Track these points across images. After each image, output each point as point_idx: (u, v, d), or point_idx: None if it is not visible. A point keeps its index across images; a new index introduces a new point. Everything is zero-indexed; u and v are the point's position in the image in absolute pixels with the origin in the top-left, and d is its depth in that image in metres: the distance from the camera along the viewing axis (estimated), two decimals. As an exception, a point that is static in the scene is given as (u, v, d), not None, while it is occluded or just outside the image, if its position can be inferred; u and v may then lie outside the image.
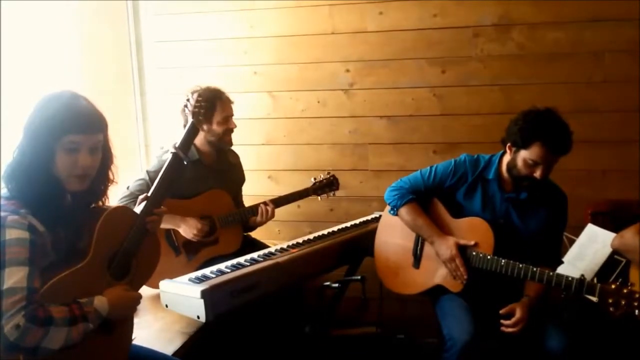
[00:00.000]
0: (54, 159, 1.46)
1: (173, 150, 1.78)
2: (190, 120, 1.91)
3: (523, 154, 2.11)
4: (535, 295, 2.16)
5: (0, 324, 1.29)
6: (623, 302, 1.89)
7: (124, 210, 1.66)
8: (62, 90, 1.53)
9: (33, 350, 1.33)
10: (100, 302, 1.47)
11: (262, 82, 3.22)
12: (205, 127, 2.50)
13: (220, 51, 3.24)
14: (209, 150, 2.60)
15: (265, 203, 2.62)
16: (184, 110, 2.43)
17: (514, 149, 2.16)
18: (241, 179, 2.81)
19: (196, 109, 1.94)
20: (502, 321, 2.12)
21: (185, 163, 1.80)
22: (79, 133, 1.47)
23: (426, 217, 2.31)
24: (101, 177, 1.59)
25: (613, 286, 1.92)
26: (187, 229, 2.41)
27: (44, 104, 1.48)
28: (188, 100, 1.98)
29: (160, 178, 1.74)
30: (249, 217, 2.62)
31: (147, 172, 2.47)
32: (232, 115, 2.59)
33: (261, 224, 2.65)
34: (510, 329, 2.10)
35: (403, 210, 2.33)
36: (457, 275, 2.20)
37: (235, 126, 2.59)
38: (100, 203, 1.64)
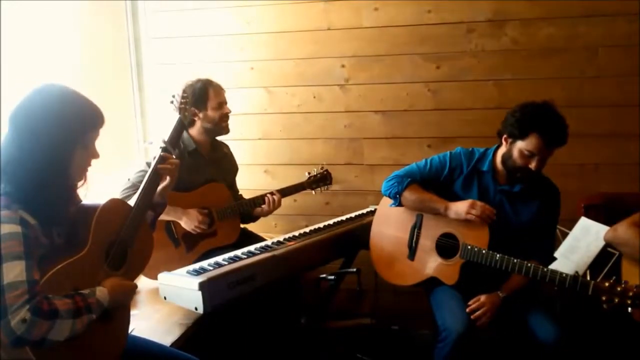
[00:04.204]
0: (73, 157, 1.49)
1: (162, 145, 1.82)
2: (177, 115, 1.97)
3: (519, 144, 2.14)
4: (512, 286, 2.20)
5: (6, 318, 1.29)
6: (617, 300, 1.91)
7: (119, 203, 1.69)
8: (65, 87, 1.53)
9: (39, 342, 1.34)
10: (101, 292, 1.49)
11: (258, 77, 3.24)
12: (201, 114, 2.56)
13: (217, 47, 3.26)
14: (205, 139, 2.64)
15: (272, 193, 2.68)
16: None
17: (510, 140, 2.18)
18: (235, 168, 2.85)
19: (182, 105, 2.01)
20: (469, 303, 2.18)
21: (174, 157, 1.83)
22: (97, 128, 1.53)
23: (431, 192, 2.33)
24: None
25: (607, 284, 1.94)
26: (189, 221, 2.45)
27: (54, 100, 1.47)
28: (174, 96, 2.05)
29: (150, 173, 1.76)
30: (252, 209, 2.67)
31: (147, 163, 2.50)
32: (225, 102, 2.64)
33: (267, 213, 2.69)
34: (475, 315, 2.15)
35: (407, 193, 2.33)
36: (485, 215, 2.17)
37: (230, 111, 2.64)
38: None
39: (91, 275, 1.53)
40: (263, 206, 2.66)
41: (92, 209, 1.58)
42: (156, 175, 1.76)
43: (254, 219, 2.78)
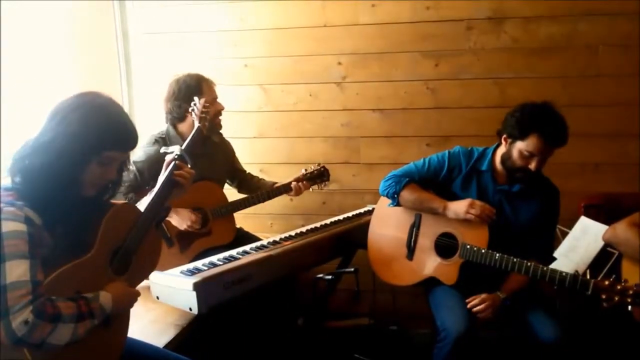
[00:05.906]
0: (85, 167, 1.45)
1: (178, 153, 1.80)
2: (197, 125, 2.04)
3: (519, 145, 2.12)
4: (512, 287, 2.18)
5: (7, 319, 1.26)
6: (617, 298, 1.90)
7: (129, 207, 1.66)
8: (109, 100, 1.52)
9: (39, 345, 1.31)
10: (105, 298, 1.46)
11: (253, 74, 3.20)
12: None
13: (210, 43, 3.20)
14: None
15: (298, 179, 2.74)
16: (168, 102, 2.53)
17: (509, 140, 2.16)
18: (231, 151, 2.81)
19: (203, 115, 2.08)
20: (468, 300, 2.16)
21: (189, 166, 1.82)
22: (120, 151, 1.51)
23: (430, 192, 2.30)
24: (114, 184, 1.61)
25: (607, 282, 1.93)
26: (180, 220, 2.40)
27: (93, 112, 1.46)
28: (195, 105, 2.12)
29: (165, 180, 1.74)
30: (273, 196, 2.73)
31: (134, 162, 2.45)
32: (217, 97, 2.60)
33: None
34: (476, 308, 2.13)
35: (405, 193, 2.31)
36: (485, 215, 2.15)
37: (223, 108, 2.61)
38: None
39: (95, 279, 1.50)
40: (290, 193, 2.73)
41: (104, 208, 1.55)
42: (170, 183, 1.73)
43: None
